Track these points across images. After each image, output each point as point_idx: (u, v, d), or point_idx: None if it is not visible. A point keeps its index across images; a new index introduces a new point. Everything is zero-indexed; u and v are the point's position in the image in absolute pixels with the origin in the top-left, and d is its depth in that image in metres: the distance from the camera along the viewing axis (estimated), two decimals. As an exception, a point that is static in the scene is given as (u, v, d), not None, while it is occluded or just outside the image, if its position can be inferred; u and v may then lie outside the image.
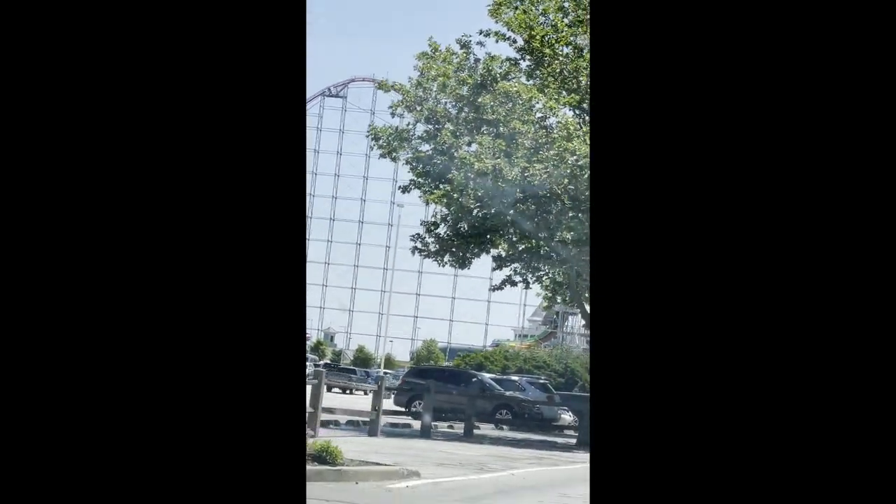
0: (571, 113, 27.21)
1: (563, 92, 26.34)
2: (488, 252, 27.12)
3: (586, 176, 25.36)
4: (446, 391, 34.47)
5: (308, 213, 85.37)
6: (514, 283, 27.99)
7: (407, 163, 26.86)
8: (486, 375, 38.15)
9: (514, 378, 39.74)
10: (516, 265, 27.47)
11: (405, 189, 27.13)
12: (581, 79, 26.70)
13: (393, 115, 26.72)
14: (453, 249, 26.46)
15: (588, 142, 25.53)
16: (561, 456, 23.19)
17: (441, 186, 25.80)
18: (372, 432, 22.43)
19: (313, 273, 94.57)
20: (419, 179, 26.35)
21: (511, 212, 25.52)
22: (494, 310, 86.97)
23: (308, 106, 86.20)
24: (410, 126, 26.92)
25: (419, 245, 26.94)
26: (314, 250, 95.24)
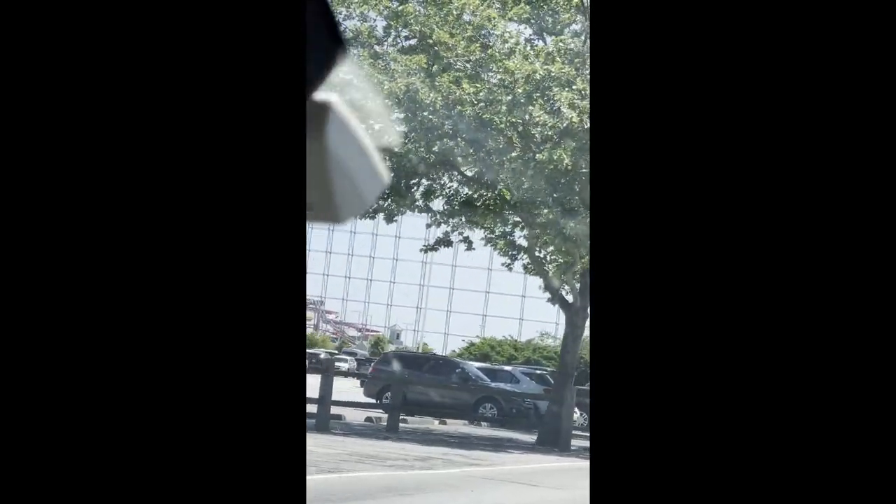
0: (522, 27, 21.93)
1: (510, 1, 21.07)
2: (412, 205, 21.79)
3: (535, 106, 20.00)
4: (422, 381, 29.91)
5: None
6: (448, 244, 22.64)
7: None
8: (474, 365, 33.00)
9: (508, 368, 34.62)
10: (454, 220, 22.10)
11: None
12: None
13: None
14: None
15: (538, 59, 20.25)
16: (469, 457, 17.96)
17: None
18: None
19: (381, 268, 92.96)
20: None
21: (435, 148, 20.24)
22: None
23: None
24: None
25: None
26: (382, 246, 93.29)
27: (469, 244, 22.74)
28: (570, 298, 23.11)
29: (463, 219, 21.86)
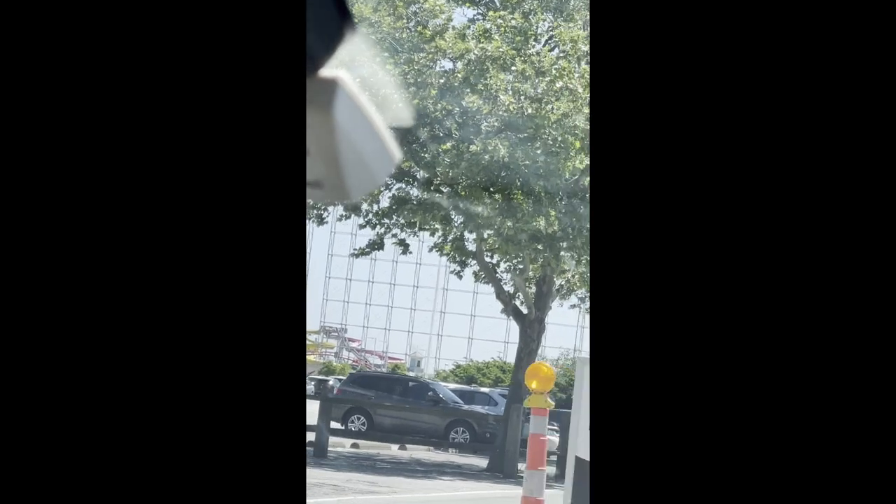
0: (465, 8, 19.83)
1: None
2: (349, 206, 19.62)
3: (470, 93, 17.82)
4: (389, 404, 27.81)
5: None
6: (379, 247, 20.39)
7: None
8: (448, 386, 30.77)
9: (485, 390, 32.37)
10: (388, 220, 19.90)
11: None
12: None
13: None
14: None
15: (476, 39, 18.10)
16: (376, 484, 15.75)
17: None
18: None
19: (401, 295, 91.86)
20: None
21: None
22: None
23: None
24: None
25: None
26: (403, 272, 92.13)
27: (405, 248, 20.53)
28: (524, 309, 20.84)
29: (398, 219, 19.68)
